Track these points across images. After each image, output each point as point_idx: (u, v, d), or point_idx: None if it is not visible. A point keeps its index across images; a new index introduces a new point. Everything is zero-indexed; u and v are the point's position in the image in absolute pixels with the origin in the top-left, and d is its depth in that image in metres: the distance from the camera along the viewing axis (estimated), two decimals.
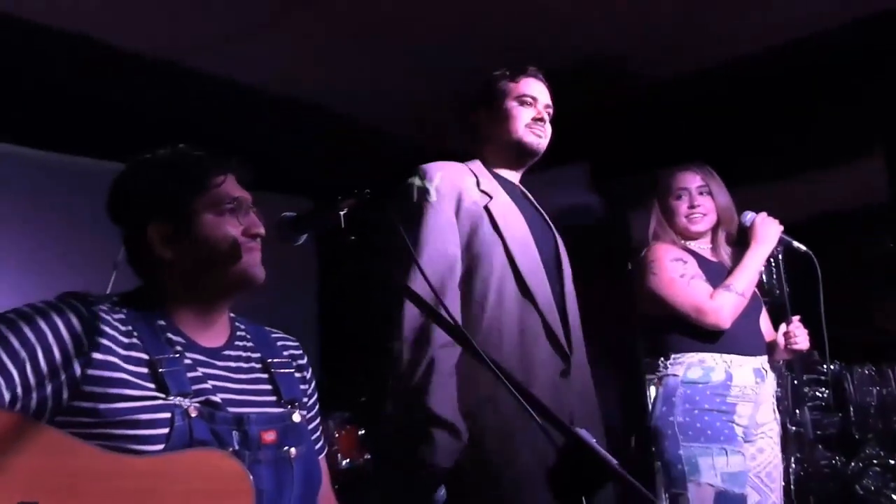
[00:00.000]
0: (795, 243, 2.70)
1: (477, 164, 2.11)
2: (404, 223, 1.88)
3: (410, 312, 1.84)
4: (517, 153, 2.11)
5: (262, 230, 1.37)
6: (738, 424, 2.52)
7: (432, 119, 4.13)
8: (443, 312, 0.99)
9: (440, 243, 1.90)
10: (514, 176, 2.17)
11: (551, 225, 2.17)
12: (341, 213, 1.20)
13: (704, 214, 2.71)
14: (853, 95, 3.50)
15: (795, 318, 2.72)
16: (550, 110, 2.15)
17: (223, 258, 1.33)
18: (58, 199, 3.66)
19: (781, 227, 2.67)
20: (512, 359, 1.86)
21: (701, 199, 2.70)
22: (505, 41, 3.40)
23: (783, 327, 2.74)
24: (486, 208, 1.97)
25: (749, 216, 2.69)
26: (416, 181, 1.97)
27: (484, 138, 2.15)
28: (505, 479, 1.80)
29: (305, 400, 1.46)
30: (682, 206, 2.71)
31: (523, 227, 2.02)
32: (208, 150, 1.41)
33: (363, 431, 3.94)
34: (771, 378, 2.66)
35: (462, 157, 2.13)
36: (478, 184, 2.02)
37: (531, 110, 2.09)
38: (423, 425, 1.75)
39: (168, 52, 3.51)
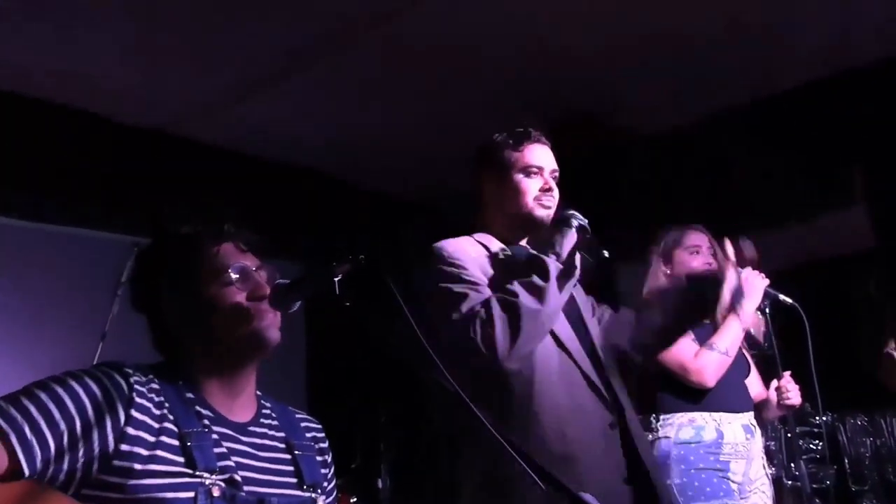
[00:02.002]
0: (782, 296, 2.71)
1: (486, 237, 2.09)
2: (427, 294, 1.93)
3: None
4: (524, 226, 2.08)
5: (267, 291, 1.36)
6: (732, 481, 2.50)
7: (429, 182, 4.18)
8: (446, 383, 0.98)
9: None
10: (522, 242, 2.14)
11: None
12: (335, 278, 1.20)
13: None
14: (838, 144, 3.57)
15: (787, 374, 2.72)
16: (557, 174, 2.10)
17: (231, 327, 1.32)
18: (48, 268, 3.63)
19: (767, 281, 2.68)
20: (563, 409, 1.86)
21: (712, 259, 2.71)
22: (498, 96, 3.46)
23: (774, 383, 2.73)
24: None
25: None
26: (434, 250, 1.99)
27: (489, 207, 2.12)
28: None
29: (326, 484, 1.44)
30: (696, 264, 2.71)
31: None
32: (204, 219, 1.42)
33: (355, 499, 3.87)
34: (758, 433, 2.65)
35: (459, 223, 2.14)
36: (489, 251, 2.03)
37: (538, 181, 2.05)
38: None
39: (161, 120, 3.56)
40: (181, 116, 3.55)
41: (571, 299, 2.08)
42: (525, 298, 1.81)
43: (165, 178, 3.71)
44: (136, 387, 1.22)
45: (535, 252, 1.94)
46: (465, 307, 1.86)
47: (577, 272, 1.91)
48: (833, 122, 3.57)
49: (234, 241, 1.40)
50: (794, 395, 2.69)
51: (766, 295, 2.66)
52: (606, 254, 1.88)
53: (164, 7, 2.84)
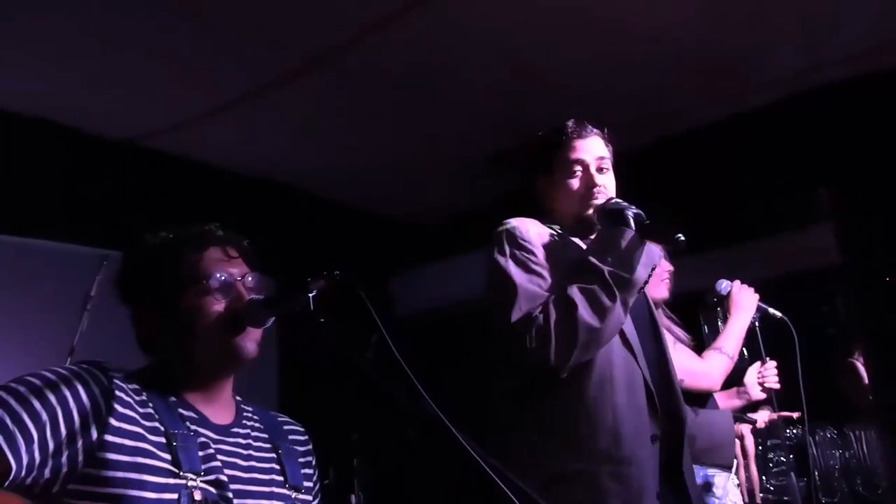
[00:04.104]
0: (771, 310, 2.74)
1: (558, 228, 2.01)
2: (493, 265, 1.87)
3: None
4: (581, 226, 1.98)
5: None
6: (716, 497, 2.50)
7: (406, 198, 4.17)
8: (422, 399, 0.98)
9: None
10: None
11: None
12: (310, 294, 1.19)
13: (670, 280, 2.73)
14: (805, 164, 3.62)
15: (768, 359, 2.74)
16: (604, 160, 2.00)
17: (208, 338, 1.30)
18: (14, 282, 3.55)
19: (758, 296, 2.70)
20: (621, 407, 1.78)
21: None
22: (474, 116, 3.47)
23: (755, 366, 2.74)
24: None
25: (724, 285, 2.72)
26: (506, 230, 1.92)
27: (549, 207, 2.04)
28: None
29: (310, 485, 1.44)
30: (661, 271, 2.72)
31: None
32: (188, 224, 1.40)
33: None
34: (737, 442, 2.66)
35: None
36: (560, 236, 1.96)
37: (583, 178, 1.97)
38: None
39: (131, 132, 3.51)
40: (153, 129, 3.51)
41: (642, 295, 1.98)
42: (584, 312, 1.73)
43: (136, 190, 3.66)
44: (116, 381, 1.21)
45: (592, 259, 1.81)
46: (524, 306, 1.78)
47: (643, 279, 1.81)
48: (800, 142, 3.62)
49: (221, 246, 1.37)
50: (772, 379, 2.70)
51: (756, 308, 2.69)
52: (682, 237, 1.73)
53: (138, 21, 2.81)
